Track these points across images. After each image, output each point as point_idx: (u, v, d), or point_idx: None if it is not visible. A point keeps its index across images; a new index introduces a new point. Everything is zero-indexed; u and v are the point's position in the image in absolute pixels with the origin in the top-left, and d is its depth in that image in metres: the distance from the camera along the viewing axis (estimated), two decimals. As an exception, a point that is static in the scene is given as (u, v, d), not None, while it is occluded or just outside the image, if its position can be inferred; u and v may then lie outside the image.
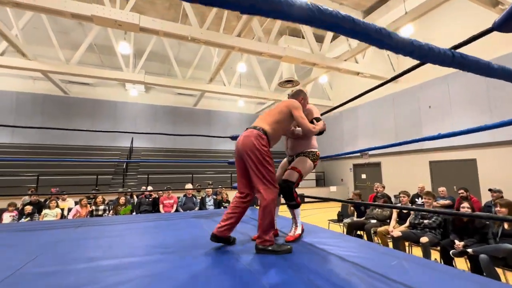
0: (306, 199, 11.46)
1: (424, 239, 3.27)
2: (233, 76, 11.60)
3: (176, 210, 6.01)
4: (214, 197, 6.54)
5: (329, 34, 7.88)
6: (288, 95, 2.31)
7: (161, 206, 6.07)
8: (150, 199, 6.19)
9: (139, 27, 5.59)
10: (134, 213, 5.81)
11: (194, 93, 13.59)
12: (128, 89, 13.01)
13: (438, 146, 8.10)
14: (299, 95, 2.21)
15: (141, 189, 7.40)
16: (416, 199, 5.67)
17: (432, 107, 8.40)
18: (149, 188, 7.43)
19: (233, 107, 15.44)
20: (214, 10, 7.19)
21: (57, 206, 5.34)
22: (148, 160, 4.40)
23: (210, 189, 6.61)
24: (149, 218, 3.24)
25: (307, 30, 7.46)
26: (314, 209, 9.60)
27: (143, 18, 5.60)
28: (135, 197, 6.62)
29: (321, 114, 2.41)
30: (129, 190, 7.10)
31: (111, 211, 5.57)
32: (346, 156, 12.09)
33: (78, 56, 8.61)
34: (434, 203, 4.27)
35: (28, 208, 5.05)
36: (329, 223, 5.51)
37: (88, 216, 5.16)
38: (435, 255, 3.53)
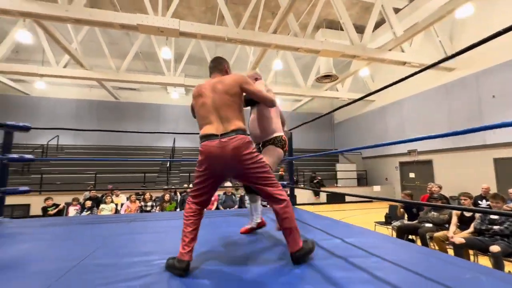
0: (347, 198, 10.93)
1: (495, 248, 2.83)
2: (269, 74, 11.54)
3: (217, 208, 6.17)
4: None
5: (371, 23, 7.34)
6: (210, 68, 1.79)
7: (202, 203, 6.29)
8: (191, 197, 6.45)
9: (179, 32, 5.85)
10: (178, 209, 6.12)
11: (231, 93, 13.86)
12: (169, 92, 13.81)
13: (506, 141, 7.05)
14: (222, 64, 1.76)
15: (183, 187, 7.79)
16: (480, 202, 4.99)
17: (497, 97, 7.33)
18: (191, 185, 7.77)
19: (268, 105, 15.42)
20: (250, 9, 7.20)
21: (112, 201, 5.87)
22: (189, 159, 4.63)
23: (249, 188, 6.65)
24: (193, 215, 3.33)
25: (346, 21, 7.04)
26: (356, 209, 9.09)
27: (182, 23, 5.85)
28: (178, 194, 6.97)
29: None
30: (173, 187, 7.55)
31: (158, 207, 5.94)
32: (392, 153, 11.22)
33: (126, 64, 9.39)
34: (505, 207, 3.68)
35: (88, 203, 5.64)
36: (375, 225, 5.14)
37: (138, 211, 5.57)
38: (508, 267, 3.05)
